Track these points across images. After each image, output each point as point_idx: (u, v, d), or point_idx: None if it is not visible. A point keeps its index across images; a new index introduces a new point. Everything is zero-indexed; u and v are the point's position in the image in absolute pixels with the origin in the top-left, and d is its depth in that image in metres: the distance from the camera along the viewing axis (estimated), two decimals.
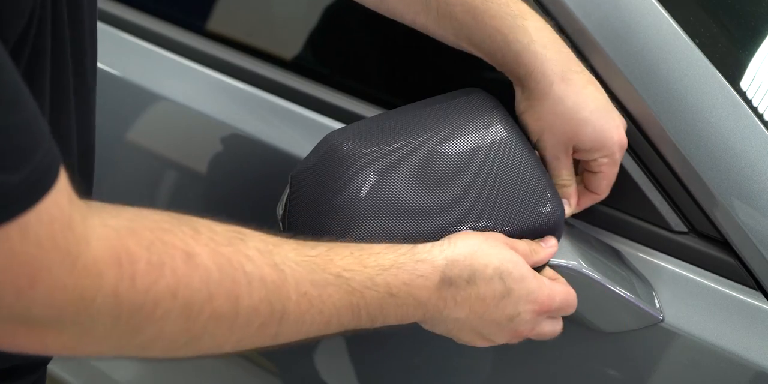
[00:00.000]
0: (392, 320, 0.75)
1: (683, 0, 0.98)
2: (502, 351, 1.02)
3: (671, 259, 0.91)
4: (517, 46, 0.85)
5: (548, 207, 0.80)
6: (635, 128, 0.91)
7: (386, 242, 0.77)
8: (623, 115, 0.91)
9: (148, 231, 0.60)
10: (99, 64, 1.04)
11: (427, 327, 0.80)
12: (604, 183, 0.89)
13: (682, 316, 0.87)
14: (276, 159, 1.05)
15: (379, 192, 0.78)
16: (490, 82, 1.12)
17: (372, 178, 0.78)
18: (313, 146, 0.87)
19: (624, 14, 0.90)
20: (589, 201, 0.91)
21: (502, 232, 0.79)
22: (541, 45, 0.85)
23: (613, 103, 0.91)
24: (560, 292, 0.80)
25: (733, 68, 0.93)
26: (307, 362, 1.22)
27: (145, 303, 0.58)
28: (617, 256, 0.92)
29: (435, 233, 0.78)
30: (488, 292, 0.77)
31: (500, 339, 0.81)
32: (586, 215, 0.96)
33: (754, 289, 0.87)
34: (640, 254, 0.92)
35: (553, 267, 0.84)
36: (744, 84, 0.90)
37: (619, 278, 0.87)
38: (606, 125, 0.85)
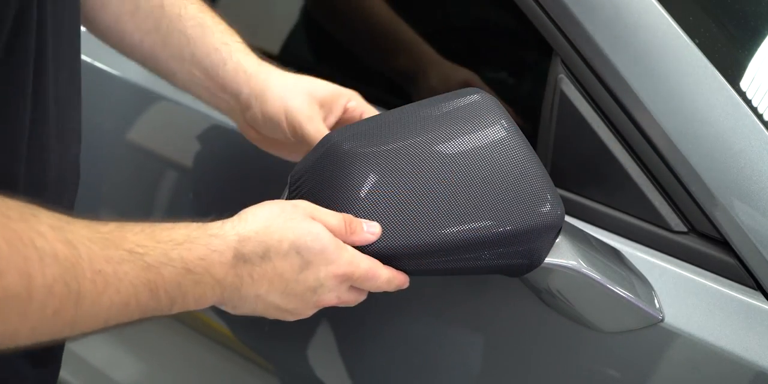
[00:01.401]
0: (191, 302, 0.72)
1: (683, 0, 0.98)
2: (502, 351, 1.02)
3: (671, 259, 0.91)
4: (231, 63, 0.96)
5: (548, 207, 0.80)
6: (635, 128, 0.91)
7: (387, 242, 0.78)
8: (623, 115, 0.91)
9: None
10: (98, 64, 1.05)
11: (229, 309, 0.78)
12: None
13: (682, 316, 0.87)
14: (276, 158, 1.04)
15: (379, 192, 0.78)
16: (489, 82, 1.12)
17: (371, 178, 0.78)
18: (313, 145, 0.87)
19: (624, 14, 0.90)
20: None
21: (502, 232, 0.79)
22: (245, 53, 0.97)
23: (613, 102, 0.91)
24: (364, 260, 0.79)
25: (733, 68, 0.93)
26: (307, 362, 1.22)
27: None
28: (617, 256, 0.92)
29: (434, 233, 0.78)
30: (285, 266, 0.75)
31: (307, 311, 0.80)
32: (586, 215, 0.97)
33: (754, 289, 0.87)
34: (640, 254, 0.92)
35: (553, 267, 0.84)
36: (744, 84, 0.90)
37: (619, 278, 0.87)
38: (329, 83, 0.96)
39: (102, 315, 0.66)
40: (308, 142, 0.93)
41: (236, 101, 0.97)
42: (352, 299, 0.82)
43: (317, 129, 0.93)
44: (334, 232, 0.78)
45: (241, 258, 0.74)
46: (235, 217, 0.76)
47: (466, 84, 1.09)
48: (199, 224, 0.74)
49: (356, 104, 0.98)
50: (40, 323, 0.62)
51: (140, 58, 1.01)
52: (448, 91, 0.86)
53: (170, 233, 0.72)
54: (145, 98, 1.32)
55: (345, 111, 0.98)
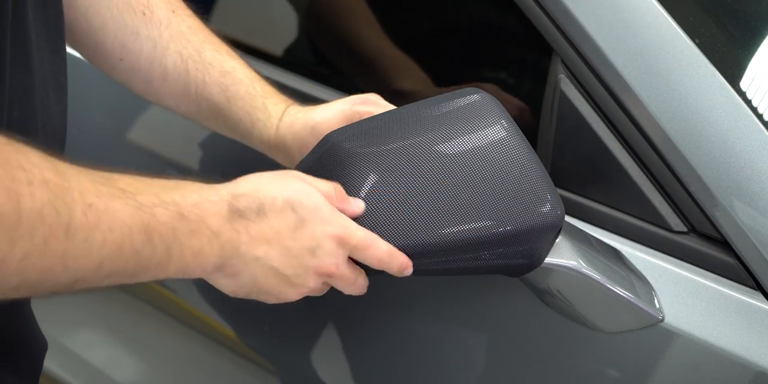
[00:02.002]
0: (189, 256, 0.70)
1: (683, 0, 0.98)
2: (502, 351, 1.02)
3: (671, 259, 0.91)
4: (259, 125, 0.98)
5: (548, 207, 0.80)
6: (635, 128, 0.91)
7: (387, 242, 0.77)
8: (623, 115, 0.91)
9: None
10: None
11: (229, 281, 0.76)
12: None
13: (682, 316, 0.87)
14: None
15: (379, 192, 0.78)
16: (489, 82, 1.12)
17: (371, 178, 0.78)
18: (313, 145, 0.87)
19: (624, 14, 0.90)
20: None
21: (502, 232, 0.79)
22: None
23: (613, 102, 0.91)
24: (361, 228, 0.78)
25: (733, 68, 0.93)
26: (307, 362, 1.22)
27: None
28: (617, 256, 0.92)
29: (434, 233, 0.78)
30: (281, 223, 0.74)
31: (308, 280, 0.78)
32: (586, 215, 0.97)
33: (754, 289, 0.87)
34: (640, 254, 0.92)
35: (554, 267, 0.84)
36: (744, 84, 0.90)
37: (619, 278, 0.87)
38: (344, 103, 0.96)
39: (95, 254, 0.63)
40: None
41: (272, 148, 0.99)
42: (352, 276, 0.79)
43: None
44: (326, 197, 0.77)
45: (236, 212, 0.73)
46: (228, 183, 0.76)
47: None
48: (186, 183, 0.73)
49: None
50: (30, 252, 0.59)
51: (185, 117, 1.04)
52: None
53: (161, 181, 0.71)
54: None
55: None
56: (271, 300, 0.81)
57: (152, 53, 0.98)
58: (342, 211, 0.78)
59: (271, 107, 0.98)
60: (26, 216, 0.58)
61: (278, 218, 0.75)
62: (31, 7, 0.75)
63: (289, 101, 1.00)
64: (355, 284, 0.81)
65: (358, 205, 0.79)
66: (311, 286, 0.79)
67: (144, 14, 0.98)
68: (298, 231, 0.75)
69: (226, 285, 0.78)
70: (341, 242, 0.77)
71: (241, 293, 0.79)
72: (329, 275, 0.78)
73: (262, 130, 0.98)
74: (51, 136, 0.82)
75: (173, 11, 1.00)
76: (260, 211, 0.74)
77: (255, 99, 0.99)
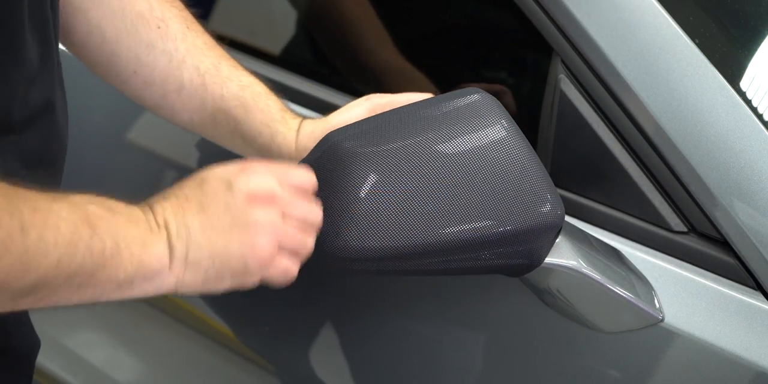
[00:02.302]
0: (136, 246, 0.72)
1: (683, 0, 0.98)
2: (502, 351, 1.02)
3: (671, 259, 0.91)
4: (279, 137, 0.97)
5: (548, 207, 0.80)
6: (635, 128, 0.91)
7: (387, 242, 0.77)
8: (623, 116, 0.91)
9: None
10: None
11: (193, 271, 0.75)
12: None
13: (682, 316, 0.87)
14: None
15: (379, 192, 0.78)
16: (489, 82, 1.12)
17: (371, 178, 0.78)
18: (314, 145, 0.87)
19: (624, 14, 0.90)
20: None
21: (502, 231, 0.79)
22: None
23: (613, 102, 0.91)
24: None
25: (733, 68, 0.93)
26: (307, 362, 1.22)
27: None
28: (617, 256, 0.92)
29: (434, 233, 0.78)
30: (208, 189, 0.75)
31: (251, 215, 0.75)
32: (586, 215, 0.97)
33: (754, 289, 0.87)
34: (640, 254, 0.92)
35: (554, 267, 0.84)
36: (744, 84, 0.90)
37: (619, 278, 0.87)
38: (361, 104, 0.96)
39: (51, 251, 0.66)
40: None
41: (294, 160, 0.98)
42: (292, 236, 0.77)
43: None
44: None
45: (159, 198, 0.76)
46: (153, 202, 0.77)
47: None
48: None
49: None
50: None
51: (198, 132, 1.04)
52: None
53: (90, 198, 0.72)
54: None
55: None
56: (251, 269, 0.76)
57: (167, 66, 0.98)
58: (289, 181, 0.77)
59: (289, 120, 0.99)
60: None
61: (204, 185, 0.75)
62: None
63: (300, 116, 1.01)
64: (299, 245, 0.77)
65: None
66: (265, 247, 0.75)
67: (159, 28, 0.98)
68: (228, 192, 0.74)
69: (193, 279, 0.76)
70: (281, 192, 0.76)
71: (213, 278, 0.76)
72: (265, 199, 0.76)
73: (282, 142, 0.98)
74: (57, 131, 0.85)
75: (187, 27, 1.00)
76: (180, 189, 0.76)
77: (273, 112, 0.99)
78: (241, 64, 1.02)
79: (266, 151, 0.99)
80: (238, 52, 1.26)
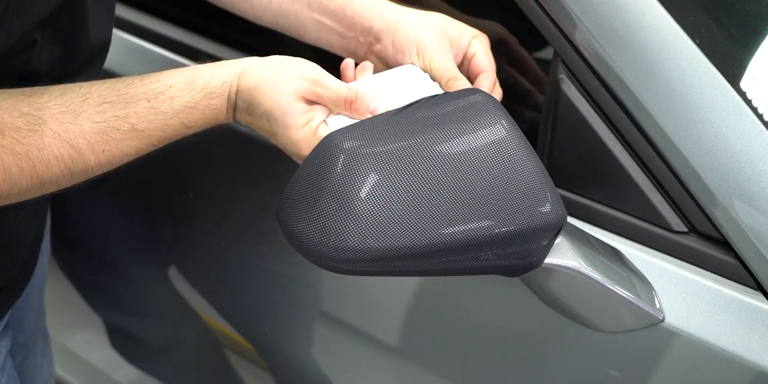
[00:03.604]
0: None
1: (683, 0, 0.98)
2: (502, 350, 1.02)
3: (671, 259, 0.91)
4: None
5: (548, 207, 0.80)
6: (635, 128, 0.91)
7: (388, 243, 0.77)
8: (624, 116, 0.91)
9: None
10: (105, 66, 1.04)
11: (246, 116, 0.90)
12: (485, 59, 0.98)
13: (683, 316, 0.87)
14: (276, 158, 1.04)
15: (380, 192, 0.78)
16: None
17: (372, 178, 0.78)
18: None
19: (624, 14, 0.90)
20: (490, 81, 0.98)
21: (503, 232, 0.79)
22: None
23: (613, 102, 0.91)
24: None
25: (733, 68, 0.93)
26: (307, 362, 1.22)
27: None
28: (617, 256, 0.92)
29: (435, 233, 0.78)
30: (261, 125, 0.88)
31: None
32: (586, 215, 0.97)
33: (754, 289, 0.87)
34: (640, 254, 0.92)
35: (554, 267, 0.84)
36: (744, 84, 0.90)
37: (619, 278, 0.87)
38: (454, 20, 0.99)
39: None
40: (435, 75, 0.96)
41: (366, 36, 1.00)
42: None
43: (445, 63, 0.95)
44: (331, 104, 0.87)
45: (233, 106, 0.88)
46: (242, 67, 0.88)
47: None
48: (204, 83, 0.87)
49: (478, 43, 0.99)
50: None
51: (271, 17, 1.06)
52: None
53: (171, 103, 0.85)
54: None
55: (469, 46, 0.99)
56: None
57: None
58: (358, 117, 0.88)
59: None
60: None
61: (258, 120, 0.88)
62: None
63: None
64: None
65: (374, 112, 0.88)
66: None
67: None
68: (272, 138, 0.89)
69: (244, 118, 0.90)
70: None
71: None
72: None
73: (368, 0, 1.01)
74: (96, 45, 0.96)
75: None
76: (248, 110, 0.88)
77: None
78: None
79: (341, 17, 1.02)
80: (238, 53, 1.26)
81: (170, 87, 0.86)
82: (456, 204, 0.78)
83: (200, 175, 1.33)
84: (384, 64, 1.01)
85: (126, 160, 0.87)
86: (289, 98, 0.86)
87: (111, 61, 1.20)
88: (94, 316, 1.61)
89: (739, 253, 0.87)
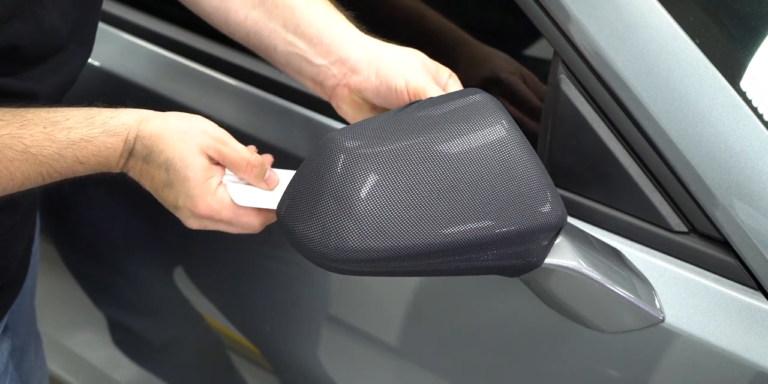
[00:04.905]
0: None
1: (683, 0, 0.98)
2: (502, 350, 1.02)
3: (671, 259, 0.91)
4: (340, 26, 0.98)
5: (548, 207, 0.80)
6: (636, 128, 0.91)
7: (388, 243, 0.77)
8: (624, 116, 0.91)
9: None
10: (97, 63, 1.04)
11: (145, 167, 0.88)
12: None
13: (683, 316, 0.87)
14: (277, 159, 1.04)
15: (380, 192, 0.78)
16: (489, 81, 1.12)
17: (372, 178, 0.78)
18: (314, 146, 0.87)
19: (624, 14, 0.90)
20: None
21: (503, 232, 0.79)
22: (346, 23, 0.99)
23: (613, 102, 0.91)
24: (226, 210, 0.87)
25: (733, 68, 0.93)
26: (307, 362, 1.22)
27: None
28: (617, 256, 0.92)
29: (435, 233, 0.78)
30: (156, 175, 0.87)
31: (185, 221, 0.90)
32: (586, 215, 0.97)
33: (754, 289, 0.87)
34: (641, 254, 0.92)
35: (554, 267, 0.84)
36: (744, 84, 0.90)
37: (620, 278, 0.87)
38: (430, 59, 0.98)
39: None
40: None
41: (341, 66, 0.98)
42: (228, 230, 0.90)
43: (438, 94, 0.94)
44: (231, 164, 0.88)
45: (129, 151, 0.86)
46: (144, 115, 0.87)
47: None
48: (104, 119, 0.85)
49: (453, 82, 0.98)
50: None
51: (244, 34, 1.04)
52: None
53: (69, 133, 0.83)
54: (147, 99, 1.32)
55: (446, 85, 0.98)
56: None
57: None
58: (245, 179, 0.89)
59: (350, 24, 1.00)
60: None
61: (156, 170, 0.87)
62: None
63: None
64: (236, 228, 0.90)
65: (269, 183, 0.91)
66: (192, 225, 0.90)
67: None
68: (166, 189, 0.87)
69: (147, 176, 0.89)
70: (202, 218, 0.87)
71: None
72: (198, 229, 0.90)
73: (348, 30, 0.98)
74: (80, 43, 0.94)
75: None
76: (146, 159, 0.86)
77: (335, 8, 1.01)
78: None
79: (316, 43, 0.99)
80: (238, 53, 1.26)
81: (67, 119, 0.84)
82: (456, 204, 0.78)
83: None
84: (361, 96, 0.99)
85: (10, 184, 0.83)
86: (193, 151, 0.86)
87: (109, 60, 1.20)
88: (93, 315, 1.61)
89: (739, 253, 0.87)
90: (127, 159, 0.87)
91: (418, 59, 0.97)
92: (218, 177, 0.89)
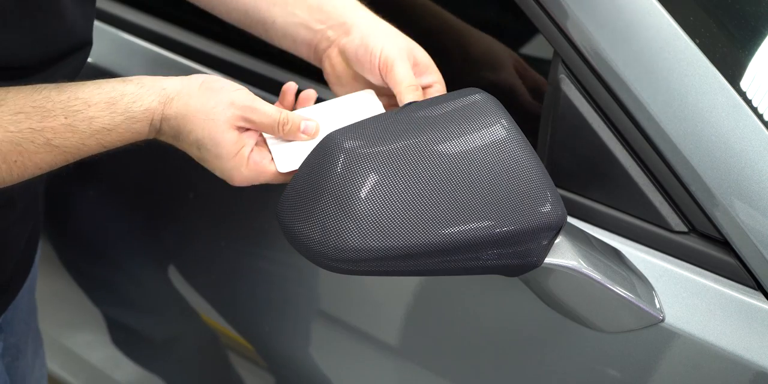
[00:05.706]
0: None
1: (683, 0, 0.98)
2: (502, 350, 1.02)
3: (671, 259, 0.91)
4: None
5: (548, 207, 0.80)
6: (636, 128, 0.91)
7: (388, 243, 0.77)
8: (624, 116, 0.91)
9: None
10: (96, 62, 1.04)
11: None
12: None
13: (683, 316, 0.87)
14: None
15: (380, 192, 0.78)
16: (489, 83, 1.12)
17: (372, 178, 0.78)
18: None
19: (624, 14, 0.91)
20: None
21: (503, 231, 0.79)
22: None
23: (613, 102, 0.91)
24: (264, 176, 0.89)
25: (733, 68, 0.93)
26: (307, 362, 1.22)
27: None
28: (617, 256, 0.92)
29: (435, 233, 0.78)
30: (189, 151, 0.89)
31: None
32: (586, 215, 0.97)
33: (754, 289, 0.87)
34: (640, 254, 0.92)
35: (554, 267, 0.84)
36: (744, 84, 0.90)
37: (620, 278, 0.87)
38: (428, 56, 0.97)
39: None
40: (391, 82, 0.94)
41: (337, 29, 0.99)
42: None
43: (405, 73, 0.94)
44: (264, 129, 0.89)
45: (156, 130, 0.87)
46: (167, 94, 0.87)
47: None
48: (126, 104, 0.85)
49: (436, 91, 0.97)
50: None
51: (242, 12, 1.04)
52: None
53: (90, 123, 0.84)
54: None
55: (430, 87, 0.97)
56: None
57: None
58: (283, 135, 0.90)
59: None
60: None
61: (188, 148, 0.89)
62: None
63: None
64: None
65: (307, 133, 0.91)
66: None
67: None
68: (201, 162, 0.90)
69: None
70: (240, 184, 0.90)
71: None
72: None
73: None
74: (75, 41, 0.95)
75: None
76: (175, 138, 0.88)
77: None
78: None
79: (316, 10, 0.99)
80: (238, 53, 1.26)
81: (89, 106, 0.84)
82: (456, 204, 0.78)
83: (201, 175, 1.32)
84: (344, 58, 0.99)
85: (39, 173, 0.86)
86: (221, 128, 0.86)
87: (107, 58, 1.20)
88: (93, 315, 1.61)
89: (739, 253, 0.87)
90: (155, 137, 0.88)
91: (408, 43, 0.97)
92: (250, 144, 0.89)
